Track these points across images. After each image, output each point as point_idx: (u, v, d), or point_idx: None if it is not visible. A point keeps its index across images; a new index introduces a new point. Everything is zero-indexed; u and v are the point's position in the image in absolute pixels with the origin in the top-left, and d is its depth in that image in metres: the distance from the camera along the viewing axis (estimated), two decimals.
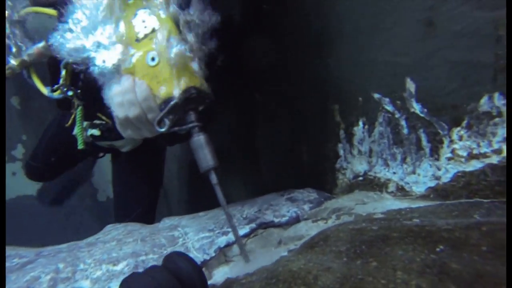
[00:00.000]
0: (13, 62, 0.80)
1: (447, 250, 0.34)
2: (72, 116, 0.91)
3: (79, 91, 0.86)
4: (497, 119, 0.65)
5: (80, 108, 0.87)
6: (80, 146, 0.88)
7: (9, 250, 0.63)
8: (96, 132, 0.95)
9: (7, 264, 0.58)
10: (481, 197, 0.64)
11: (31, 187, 2.27)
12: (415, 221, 0.45)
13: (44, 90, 0.88)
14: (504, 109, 0.63)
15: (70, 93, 0.84)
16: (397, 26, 0.80)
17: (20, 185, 2.21)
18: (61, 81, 0.83)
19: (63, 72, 0.82)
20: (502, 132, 0.63)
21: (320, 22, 1.03)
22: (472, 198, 0.62)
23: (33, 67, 0.88)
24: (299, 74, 1.14)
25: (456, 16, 0.69)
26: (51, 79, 0.93)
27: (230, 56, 1.09)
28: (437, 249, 0.35)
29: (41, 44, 0.78)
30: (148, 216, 1.34)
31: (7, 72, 0.80)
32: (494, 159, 0.64)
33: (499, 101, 0.64)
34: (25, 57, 0.80)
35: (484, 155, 0.66)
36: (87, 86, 0.84)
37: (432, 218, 0.45)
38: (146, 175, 1.35)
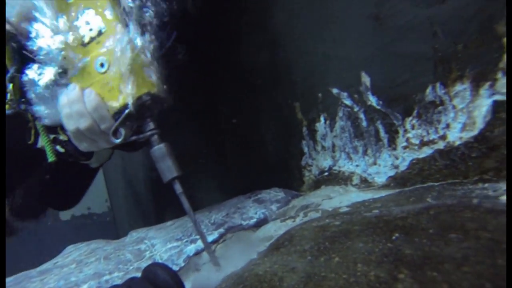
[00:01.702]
0: None
1: (401, 237, 0.35)
2: (33, 131, 0.84)
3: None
4: (440, 108, 0.69)
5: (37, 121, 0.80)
6: (51, 158, 0.82)
7: None
8: (60, 148, 0.89)
9: None
10: (433, 181, 0.68)
11: None
12: (375, 212, 0.46)
13: None
14: (445, 98, 0.67)
15: (22, 106, 0.78)
16: (348, 22, 0.83)
17: None
18: (8, 96, 0.77)
19: (10, 86, 0.76)
20: (445, 119, 0.67)
21: (274, 21, 1.04)
22: (425, 183, 0.66)
23: None
24: (258, 73, 1.14)
25: (398, 12, 0.73)
26: None
27: (187, 56, 1.06)
28: (393, 237, 0.36)
29: None
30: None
31: None
32: (441, 145, 0.68)
33: (441, 91, 0.68)
34: None
35: (433, 142, 0.70)
36: None
37: (391, 207, 0.46)
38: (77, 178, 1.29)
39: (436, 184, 0.62)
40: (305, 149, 1.03)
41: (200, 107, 1.35)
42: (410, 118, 0.72)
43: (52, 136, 0.85)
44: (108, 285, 0.64)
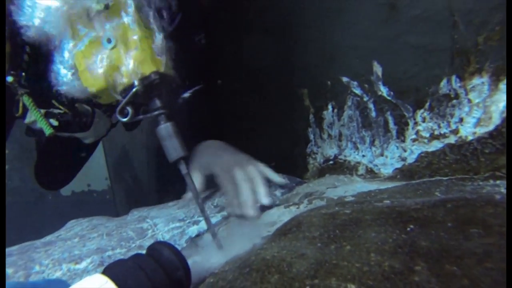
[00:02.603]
0: None
1: (416, 229, 0.35)
2: (21, 104, 0.80)
3: (23, 74, 0.74)
4: (454, 101, 0.67)
5: (25, 96, 0.74)
6: (49, 131, 0.77)
7: None
8: (53, 122, 0.86)
9: None
10: (441, 175, 0.67)
11: None
12: (386, 202, 0.45)
13: None
14: (460, 91, 0.66)
15: (10, 78, 0.74)
16: (361, 9, 0.80)
17: None
18: None
19: None
20: (458, 113, 0.66)
21: (284, 6, 1.01)
22: (433, 177, 0.65)
23: None
24: (265, 58, 1.12)
25: (415, 0, 0.70)
26: None
27: (195, 40, 1.04)
28: (408, 229, 0.35)
29: None
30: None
31: None
32: (452, 139, 0.67)
33: (456, 84, 0.67)
34: None
35: (444, 135, 0.69)
36: (34, 67, 0.74)
37: (400, 198, 0.46)
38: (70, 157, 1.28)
39: (444, 178, 0.61)
40: (311, 137, 1.02)
41: (205, 91, 1.33)
42: (422, 110, 0.71)
43: (43, 111, 0.81)
44: (111, 261, 0.64)
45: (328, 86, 0.94)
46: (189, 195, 0.73)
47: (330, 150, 0.98)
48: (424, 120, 0.71)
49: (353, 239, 0.40)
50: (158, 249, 0.51)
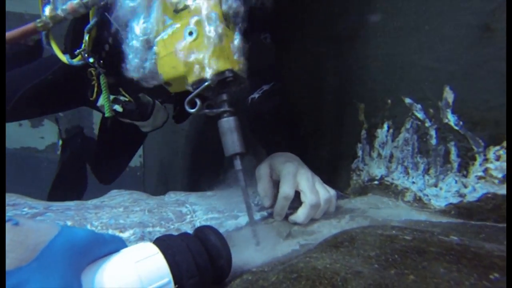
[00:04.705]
0: (46, 14, 0.76)
1: (503, 279, 0.31)
2: (96, 89, 0.87)
3: (101, 61, 0.81)
4: None
5: (102, 76, 0.82)
6: (108, 114, 0.85)
7: (18, 199, 0.60)
8: (118, 108, 0.91)
9: (17, 212, 0.56)
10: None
11: (35, 140, 2.39)
12: (453, 238, 0.42)
13: (63, 57, 0.82)
14: None
15: (91, 59, 0.79)
16: (446, 29, 0.76)
17: (25, 136, 2.31)
18: (83, 46, 0.78)
19: (86, 37, 0.77)
20: None
21: (357, 16, 0.99)
22: (499, 223, 0.60)
23: (52, 34, 0.84)
24: (324, 66, 1.10)
25: None
26: (70, 46, 0.88)
27: (260, 39, 1.04)
28: (491, 277, 0.32)
29: (75, 1, 0.74)
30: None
31: (39, 25, 0.76)
32: None
33: None
34: (59, 12, 0.75)
35: None
36: (111, 55, 0.80)
37: (476, 239, 0.42)
38: (127, 143, 1.42)
39: None
40: (359, 153, 0.99)
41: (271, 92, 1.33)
42: (497, 147, 0.66)
43: (112, 97, 0.88)
44: (151, 237, 0.65)
45: (388, 105, 0.91)
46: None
47: (377, 170, 0.94)
48: (498, 159, 0.66)
49: (416, 269, 0.38)
50: (206, 233, 0.51)
